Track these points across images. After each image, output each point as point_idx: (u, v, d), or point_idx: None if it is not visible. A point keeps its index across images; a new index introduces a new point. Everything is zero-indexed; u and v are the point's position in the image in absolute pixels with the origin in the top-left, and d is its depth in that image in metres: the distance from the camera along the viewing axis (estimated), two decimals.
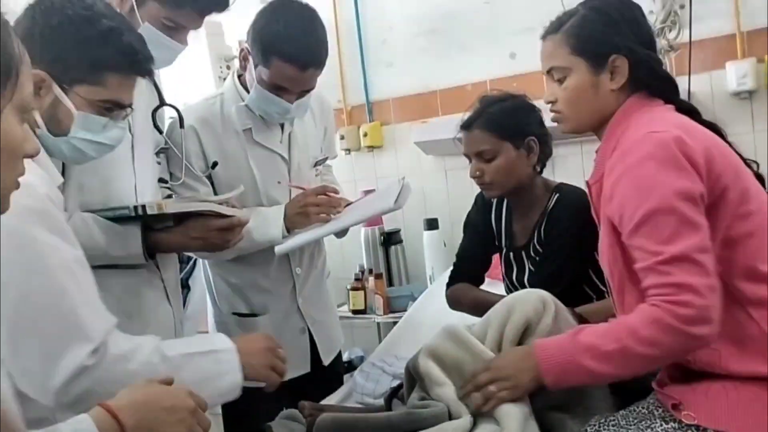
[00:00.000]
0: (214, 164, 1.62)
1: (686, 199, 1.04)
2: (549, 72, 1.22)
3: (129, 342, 1.04)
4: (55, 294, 0.95)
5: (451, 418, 1.17)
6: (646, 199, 1.04)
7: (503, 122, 1.55)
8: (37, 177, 0.97)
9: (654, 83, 1.17)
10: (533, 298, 1.23)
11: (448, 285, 1.74)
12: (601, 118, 1.19)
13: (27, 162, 0.76)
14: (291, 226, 1.62)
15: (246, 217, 1.48)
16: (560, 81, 1.20)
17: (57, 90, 1.06)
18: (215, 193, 1.63)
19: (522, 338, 1.22)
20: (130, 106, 1.14)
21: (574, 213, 1.50)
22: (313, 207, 1.62)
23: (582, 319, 1.31)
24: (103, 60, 1.08)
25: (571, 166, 2.42)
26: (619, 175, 1.09)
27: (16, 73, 0.70)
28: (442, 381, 1.20)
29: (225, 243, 1.43)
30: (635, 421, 1.11)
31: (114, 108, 1.11)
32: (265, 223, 1.60)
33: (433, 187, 2.78)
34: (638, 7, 1.21)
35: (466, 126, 1.58)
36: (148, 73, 1.15)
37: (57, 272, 0.95)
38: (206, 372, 1.09)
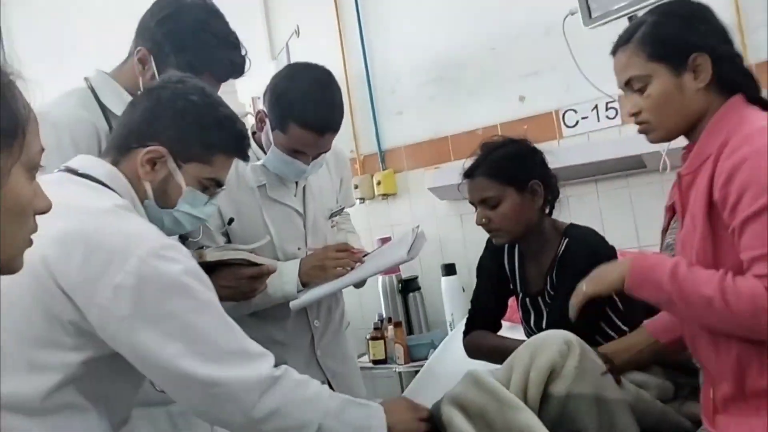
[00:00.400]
0: (230, 220, 1.64)
1: None
2: (627, 84, 1.19)
3: (298, 374, 1.14)
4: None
5: None
6: (763, 192, 1.01)
7: (505, 168, 1.55)
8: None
9: (739, 78, 1.15)
10: (557, 340, 1.22)
11: (465, 333, 1.73)
12: (691, 120, 1.16)
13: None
14: (307, 280, 1.62)
15: (274, 265, 1.50)
16: (641, 90, 1.17)
17: (172, 165, 1.17)
18: None
19: (547, 382, 1.20)
20: (223, 185, 1.25)
21: (586, 256, 1.47)
22: (332, 261, 1.62)
23: (607, 359, 1.29)
24: (217, 143, 1.20)
25: (586, 205, 2.42)
26: (747, 155, 1.04)
27: (23, 133, 0.72)
28: (465, 430, 1.18)
29: (253, 292, 1.46)
30: None
31: (212, 186, 1.22)
32: (279, 278, 1.59)
33: (448, 232, 2.78)
34: (708, 7, 1.19)
35: (468, 174, 1.58)
36: (247, 158, 1.29)
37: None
38: (360, 421, 1.15)
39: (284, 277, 1.61)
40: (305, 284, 1.63)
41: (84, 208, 1.05)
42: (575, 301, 1.24)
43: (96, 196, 1.09)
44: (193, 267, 1.07)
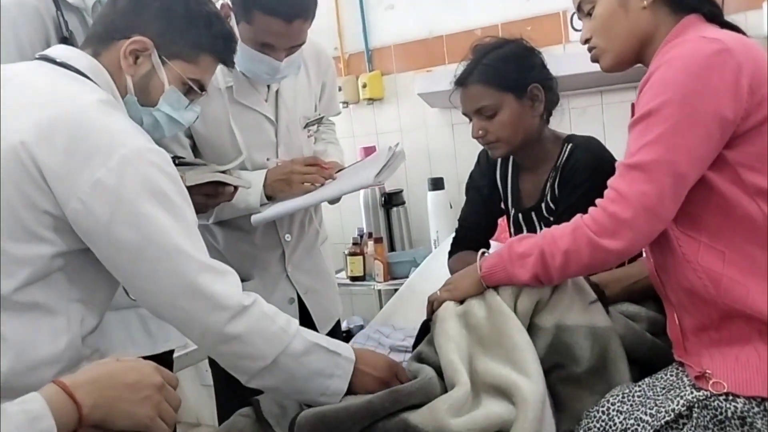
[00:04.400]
0: None
1: (706, 117, 1.03)
2: (579, 10, 1.23)
3: (268, 306, 1.16)
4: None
5: (446, 388, 1.16)
6: (664, 93, 1.05)
7: (501, 71, 1.51)
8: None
9: None
10: None
11: (450, 254, 1.74)
12: (639, 42, 1.18)
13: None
14: (271, 193, 1.62)
15: (249, 184, 1.52)
16: (590, 14, 1.21)
17: (156, 60, 1.17)
18: (195, 156, 1.63)
19: (534, 313, 1.23)
20: (206, 90, 1.26)
21: (591, 163, 1.48)
22: (298, 175, 1.61)
23: (598, 288, 1.31)
24: (205, 42, 1.21)
25: (590, 118, 2.39)
26: (656, 67, 1.08)
27: None
28: (451, 334, 1.22)
29: (217, 203, 1.48)
30: (663, 390, 1.11)
31: (194, 89, 1.23)
32: (244, 190, 1.58)
33: (438, 143, 2.76)
34: None
35: (461, 82, 1.55)
36: (233, 64, 1.29)
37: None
38: (322, 368, 1.18)
39: (249, 188, 1.60)
40: (270, 197, 1.63)
41: (68, 99, 1.06)
42: (429, 306, 1.32)
43: (79, 87, 1.10)
44: (174, 176, 1.10)
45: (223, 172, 1.49)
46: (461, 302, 1.29)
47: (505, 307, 1.21)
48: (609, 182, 1.11)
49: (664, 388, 1.13)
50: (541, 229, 1.59)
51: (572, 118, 2.36)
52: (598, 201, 1.12)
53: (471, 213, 1.74)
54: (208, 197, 1.47)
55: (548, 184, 1.57)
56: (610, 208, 1.09)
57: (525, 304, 1.22)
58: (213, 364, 1.80)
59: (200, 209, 1.43)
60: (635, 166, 1.07)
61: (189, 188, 1.33)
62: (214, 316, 1.09)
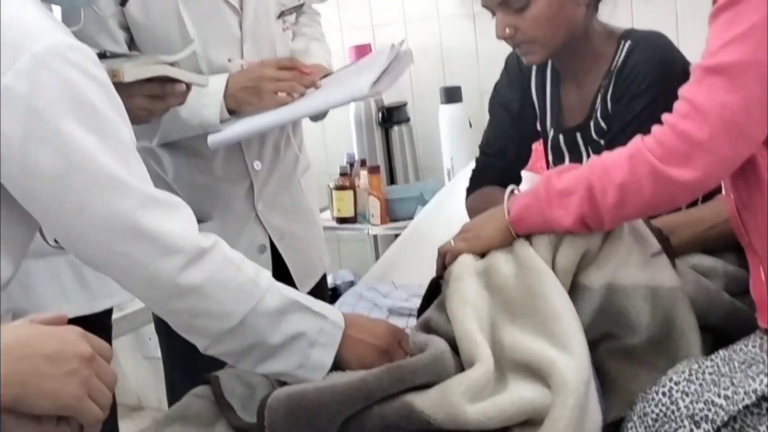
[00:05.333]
0: (123, 1, 1.57)
1: None
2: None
3: (232, 250, 1.20)
4: None
5: (462, 366, 1.17)
6: None
7: None
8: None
9: None
10: None
11: (469, 190, 1.75)
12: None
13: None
14: (234, 106, 1.62)
15: (204, 82, 1.51)
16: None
17: None
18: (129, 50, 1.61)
19: (578, 269, 1.23)
20: None
21: (656, 66, 1.49)
22: (270, 82, 1.60)
23: (663, 235, 1.31)
24: None
25: (657, 5, 2.37)
26: None
27: None
28: (469, 297, 1.23)
29: (164, 109, 1.49)
30: (742, 365, 1.13)
31: None
32: (198, 98, 1.57)
33: (454, 40, 2.74)
34: None
35: None
36: None
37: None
38: (302, 331, 1.22)
39: (204, 98, 1.59)
40: (233, 111, 1.62)
41: None
42: (440, 259, 1.33)
43: None
44: (104, 80, 1.10)
45: (171, 64, 1.48)
46: (482, 255, 1.29)
47: (539, 262, 1.21)
48: (680, 91, 1.11)
49: (743, 363, 1.13)
50: (589, 156, 1.61)
51: (634, 6, 2.33)
52: (664, 117, 1.12)
53: (497, 134, 1.74)
54: (153, 99, 1.45)
55: (599, 96, 1.57)
56: (680, 126, 1.09)
57: (567, 258, 1.22)
58: (160, 330, 1.82)
59: (143, 118, 1.46)
60: (716, 70, 1.07)
61: (128, 87, 1.36)
62: (163, 262, 1.11)
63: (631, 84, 1.52)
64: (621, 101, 1.54)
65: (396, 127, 2.73)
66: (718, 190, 1.43)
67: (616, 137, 1.50)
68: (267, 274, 1.22)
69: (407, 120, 2.74)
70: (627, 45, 1.55)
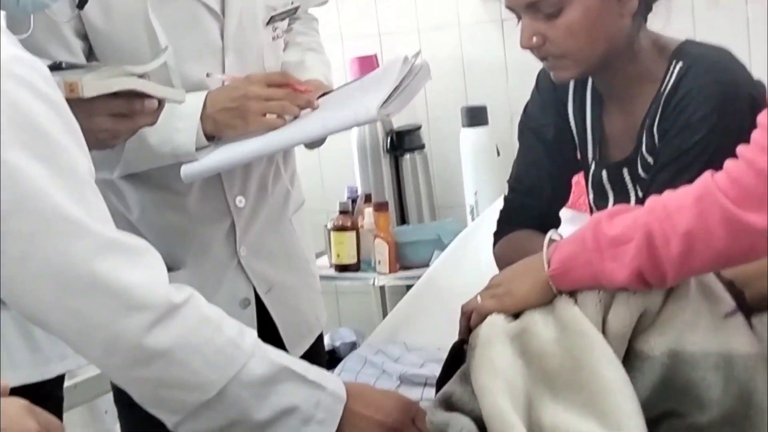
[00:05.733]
0: (82, 1, 1.54)
1: None
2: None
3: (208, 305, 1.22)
4: None
5: None
6: None
7: None
8: None
9: None
10: None
11: (497, 234, 1.74)
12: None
13: None
14: (214, 132, 1.62)
15: (180, 97, 1.52)
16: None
17: None
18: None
19: (634, 333, 1.22)
20: None
21: (716, 93, 1.49)
22: (257, 102, 1.60)
23: (735, 289, 1.29)
24: None
25: (726, 11, 2.36)
26: None
27: None
28: (500, 367, 1.23)
29: (130, 132, 1.48)
30: None
31: None
32: (170, 120, 1.57)
33: (479, 50, 2.76)
34: None
35: None
36: None
37: None
38: (295, 405, 1.22)
39: (177, 121, 1.59)
40: (212, 137, 1.63)
41: None
42: (464, 319, 1.33)
43: None
44: (56, 100, 1.11)
45: (141, 76, 1.46)
46: (516, 316, 1.29)
47: (587, 324, 1.21)
48: (759, 119, 1.10)
49: None
50: (638, 196, 1.60)
51: (696, 11, 2.33)
52: (740, 150, 1.11)
53: (528, 168, 1.73)
54: (118, 119, 1.44)
55: (647, 124, 1.57)
56: (760, 160, 1.08)
57: (621, 320, 1.22)
58: (119, 401, 1.80)
59: (106, 141, 1.45)
60: None
61: (88, 104, 1.36)
62: (125, 320, 1.11)
63: (682, 114, 1.51)
64: (669, 134, 1.53)
65: (408, 156, 2.75)
66: None
67: (658, 175, 1.52)
68: (252, 334, 1.22)
69: (421, 147, 2.76)
70: (678, 67, 1.54)
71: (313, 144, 1.71)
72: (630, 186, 1.61)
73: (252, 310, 1.77)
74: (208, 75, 1.66)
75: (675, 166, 1.51)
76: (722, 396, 1.17)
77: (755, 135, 1.10)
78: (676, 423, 1.19)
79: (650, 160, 1.56)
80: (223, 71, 1.67)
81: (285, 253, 1.84)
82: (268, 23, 1.74)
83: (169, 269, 1.21)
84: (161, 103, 1.49)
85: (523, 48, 1.54)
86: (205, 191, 1.71)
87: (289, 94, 1.62)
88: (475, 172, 2.60)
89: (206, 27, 1.66)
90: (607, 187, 1.64)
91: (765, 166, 1.07)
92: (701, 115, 1.49)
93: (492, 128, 2.61)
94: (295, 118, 1.62)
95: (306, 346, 1.85)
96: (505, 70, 2.71)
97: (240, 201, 1.74)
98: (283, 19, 1.78)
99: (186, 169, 1.59)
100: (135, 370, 1.15)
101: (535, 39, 1.52)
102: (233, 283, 1.75)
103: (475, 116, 2.61)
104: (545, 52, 1.53)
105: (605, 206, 1.63)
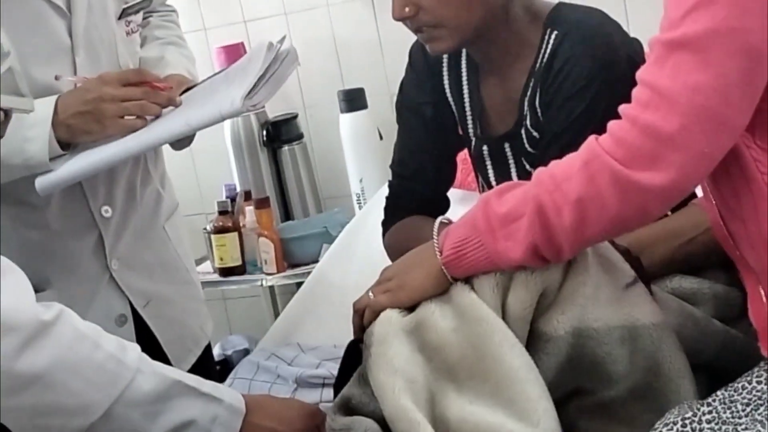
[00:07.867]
0: None
1: None
2: None
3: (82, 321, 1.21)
4: None
5: None
6: None
7: None
8: None
9: None
10: None
11: (385, 223, 1.75)
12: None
13: None
14: (69, 138, 1.59)
15: (29, 106, 1.45)
16: None
17: None
18: None
19: (536, 315, 1.23)
20: None
21: (594, 58, 1.51)
22: (112, 103, 1.57)
23: (634, 257, 1.32)
24: None
25: None
26: None
27: None
28: (398, 365, 1.22)
29: None
30: (747, 408, 1.13)
31: None
32: (19, 131, 1.51)
33: (350, 32, 2.76)
34: None
35: None
36: None
37: None
38: (188, 420, 1.21)
39: (27, 130, 1.54)
40: (66, 144, 1.59)
41: None
42: (357, 318, 1.34)
43: None
44: None
45: None
46: (411, 309, 1.29)
47: (486, 310, 1.21)
48: (639, 74, 1.12)
49: (748, 405, 1.13)
50: (519, 169, 1.61)
51: None
52: (622, 109, 1.13)
53: (410, 151, 1.73)
54: None
55: (527, 95, 1.59)
56: (642, 118, 1.09)
57: (521, 301, 1.23)
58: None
59: None
60: (681, 44, 1.08)
61: None
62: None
63: (562, 86, 1.53)
64: (552, 107, 1.55)
65: (286, 147, 2.74)
66: (693, 195, 1.42)
67: (547, 150, 1.51)
68: (135, 348, 1.22)
69: (300, 137, 2.76)
70: (554, 36, 1.55)
71: (181, 143, 1.68)
72: (511, 161, 1.62)
73: (130, 326, 1.73)
74: (57, 78, 1.61)
75: (563, 139, 1.51)
76: (629, 369, 1.20)
77: (635, 92, 1.11)
78: (585, 400, 1.21)
79: (536, 134, 1.57)
80: (74, 72, 1.64)
81: (161, 263, 1.82)
82: (120, 17, 1.71)
83: (35, 291, 1.18)
84: (8, 113, 1.42)
85: (396, 20, 1.54)
86: (65, 204, 1.66)
87: (148, 93, 1.60)
88: (358, 158, 2.61)
89: (51, 25, 1.62)
90: (486, 158, 1.65)
91: (647, 120, 1.08)
92: (582, 85, 1.51)
93: (372, 111, 2.62)
94: (158, 117, 1.60)
95: (193, 360, 1.83)
96: (380, 48, 2.72)
97: (106, 211, 1.70)
98: (137, 12, 1.75)
99: (41, 181, 1.55)
100: (8, 399, 1.11)
101: (408, 9, 1.51)
102: (106, 299, 1.72)
103: (353, 100, 2.62)
104: (419, 22, 1.53)
105: (487, 176, 1.66)
